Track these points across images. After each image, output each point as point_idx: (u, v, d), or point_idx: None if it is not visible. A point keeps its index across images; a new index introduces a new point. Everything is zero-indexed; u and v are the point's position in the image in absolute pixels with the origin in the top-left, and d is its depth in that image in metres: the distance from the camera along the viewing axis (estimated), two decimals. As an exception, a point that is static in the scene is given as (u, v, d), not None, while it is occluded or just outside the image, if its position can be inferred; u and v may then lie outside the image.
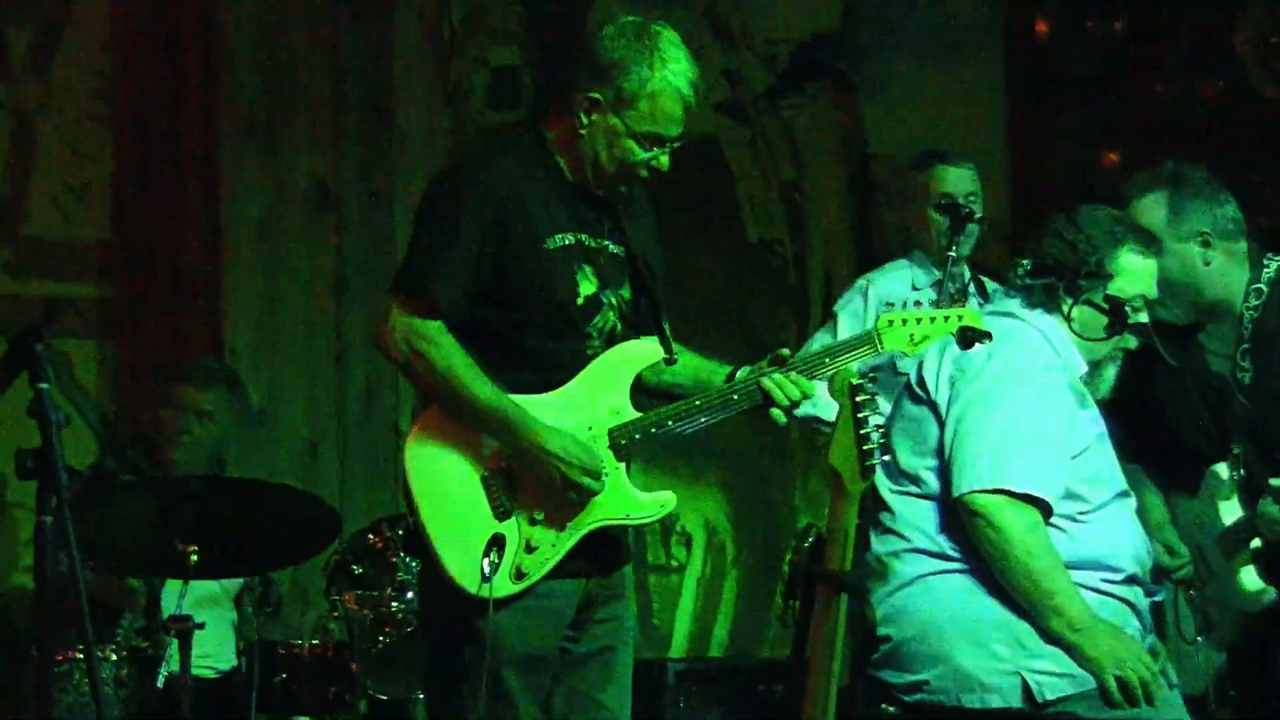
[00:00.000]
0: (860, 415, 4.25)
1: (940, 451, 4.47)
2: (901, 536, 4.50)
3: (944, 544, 4.46)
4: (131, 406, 7.23)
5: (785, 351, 4.37)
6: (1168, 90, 8.19)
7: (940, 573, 4.45)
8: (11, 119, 7.38)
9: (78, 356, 7.28)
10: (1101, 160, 8.32)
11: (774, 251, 8.38)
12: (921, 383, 4.54)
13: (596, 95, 4.31)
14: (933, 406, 4.50)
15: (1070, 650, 4.36)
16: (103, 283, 7.41)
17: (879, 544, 4.53)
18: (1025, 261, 4.59)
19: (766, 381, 4.30)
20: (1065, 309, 4.56)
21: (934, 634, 4.43)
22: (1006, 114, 8.56)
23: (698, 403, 4.32)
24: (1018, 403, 4.43)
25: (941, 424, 4.47)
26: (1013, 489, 4.36)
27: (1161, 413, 5.11)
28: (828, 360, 4.35)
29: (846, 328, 5.73)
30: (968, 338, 4.39)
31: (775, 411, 4.33)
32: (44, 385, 3.96)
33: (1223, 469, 5.03)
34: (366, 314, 7.01)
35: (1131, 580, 4.51)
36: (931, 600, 4.44)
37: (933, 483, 4.49)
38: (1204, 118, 8.06)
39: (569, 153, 4.38)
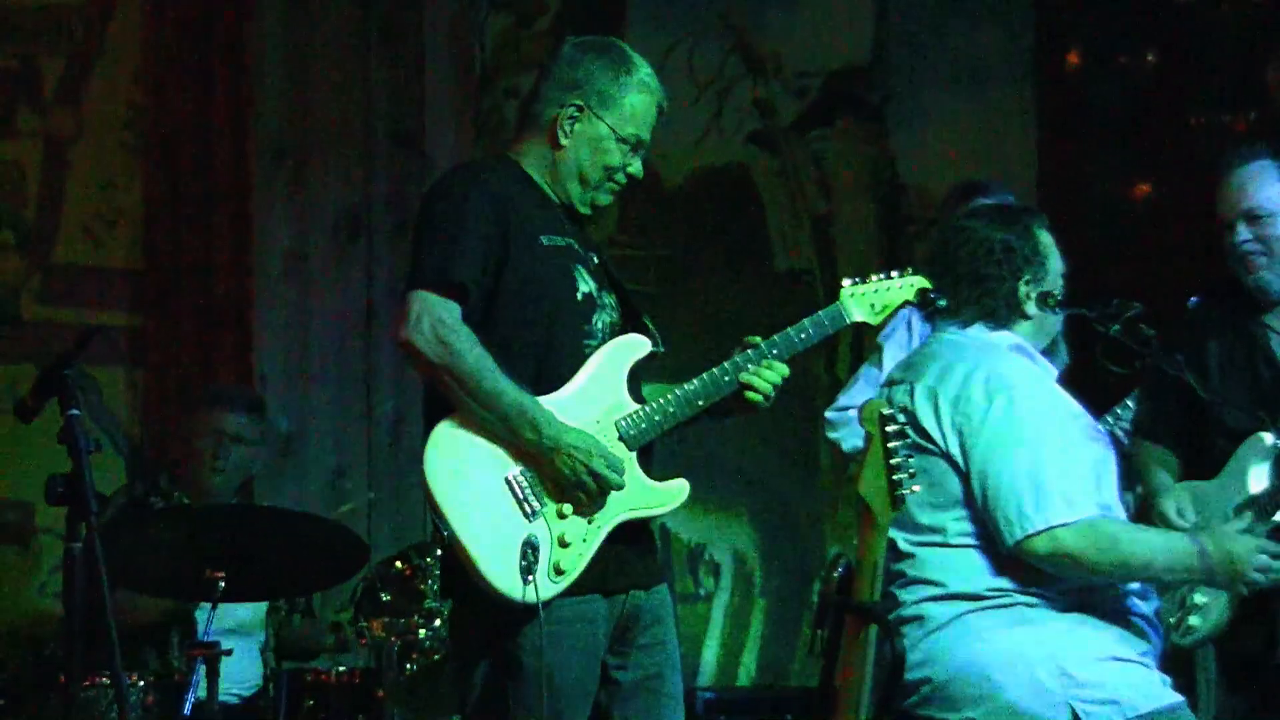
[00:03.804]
0: (890, 445, 4.24)
1: (969, 503, 4.42)
2: (933, 583, 4.44)
3: (981, 588, 4.41)
4: (161, 433, 7.25)
5: (755, 338, 4.41)
6: (1199, 122, 8.17)
7: (976, 611, 4.42)
8: (43, 148, 7.42)
9: (108, 384, 7.31)
10: (1132, 192, 8.32)
11: (803, 281, 8.38)
12: (925, 434, 4.48)
13: (578, 102, 4.40)
14: (947, 458, 4.44)
15: (1198, 575, 4.48)
16: (133, 311, 7.43)
17: (906, 594, 4.46)
18: (964, 290, 4.58)
19: (746, 376, 4.35)
20: (1028, 311, 4.56)
21: (976, 672, 4.37)
22: (1037, 146, 8.56)
23: (692, 387, 4.34)
24: (1034, 435, 4.39)
25: (961, 475, 4.42)
26: (1065, 521, 4.34)
27: (1205, 393, 5.10)
28: (800, 338, 4.40)
29: (891, 358, 5.73)
30: (928, 299, 4.40)
31: (755, 397, 4.37)
32: (74, 411, 3.98)
33: (1267, 436, 5.02)
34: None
35: (1143, 590, 4.50)
36: (971, 638, 4.39)
37: (959, 534, 4.43)
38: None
39: (546, 175, 4.45)
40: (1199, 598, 5.09)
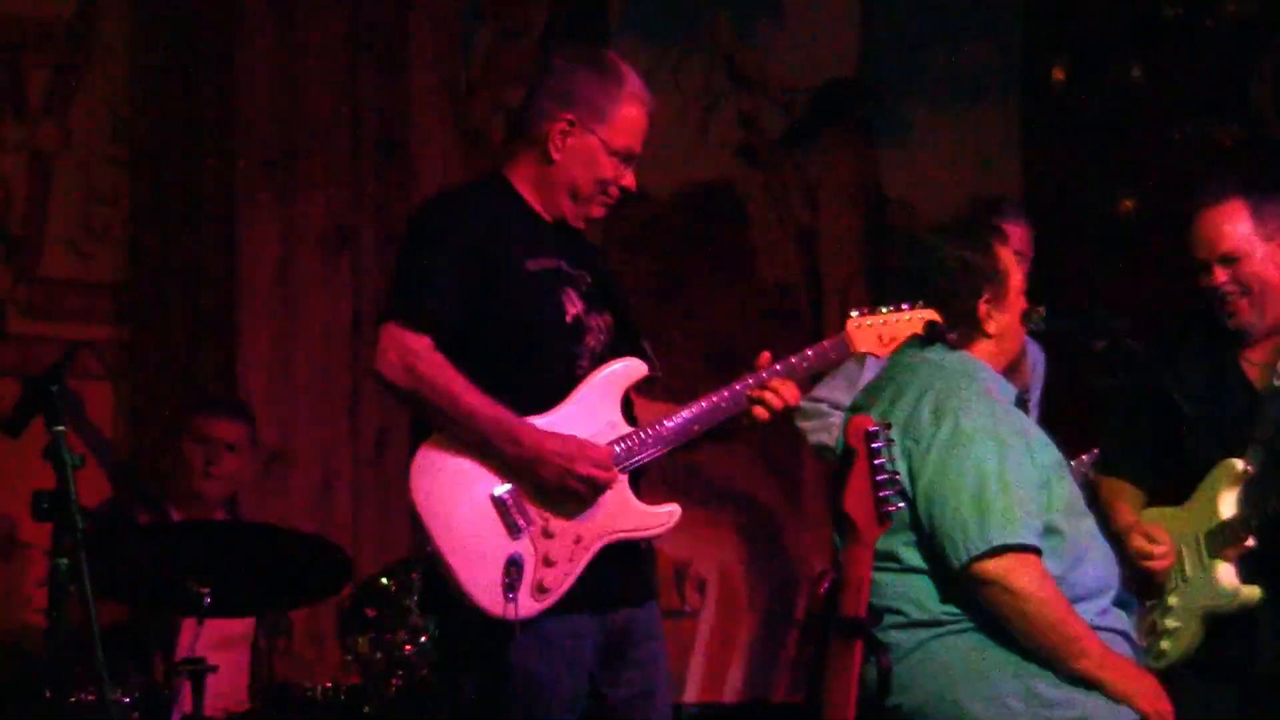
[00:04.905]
0: (876, 461, 4.22)
1: (916, 526, 4.39)
2: (894, 611, 4.39)
3: (937, 612, 4.37)
4: (147, 447, 7.23)
5: (758, 361, 4.43)
6: (1184, 137, 8.19)
7: (939, 636, 4.40)
8: (28, 160, 7.40)
9: (93, 398, 7.28)
10: (1118, 206, 8.33)
11: (788, 295, 8.39)
12: None
13: (570, 117, 4.39)
14: None
15: (1101, 687, 4.32)
16: (118, 324, 7.42)
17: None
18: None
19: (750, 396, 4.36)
20: (988, 330, 4.53)
21: (944, 698, 4.34)
22: (1023, 160, 8.58)
23: (689, 413, 4.35)
24: (979, 457, 4.34)
25: (907, 499, 4.38)
26: (1007, 543, 4.31)
27: (1179, 422, 5.10)
28: (804, 365, 4.42)
29: (872, 361, 5.72)
30: (935, 333, 4.40)
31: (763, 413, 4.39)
32: (59, 428, 3.98)
33: (1238, 462, 5.01)
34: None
35: (1117, 601, 4.48)
36: (936, 664, 4.36)
37: (911, 558, 4.40)
38: (1221, 164, 8.06)
39: (538, 190, 4.44)
40: (1170, 622, 5.09)
